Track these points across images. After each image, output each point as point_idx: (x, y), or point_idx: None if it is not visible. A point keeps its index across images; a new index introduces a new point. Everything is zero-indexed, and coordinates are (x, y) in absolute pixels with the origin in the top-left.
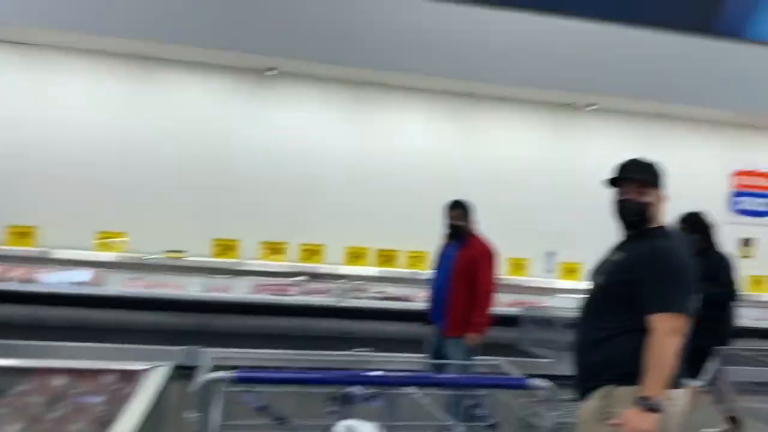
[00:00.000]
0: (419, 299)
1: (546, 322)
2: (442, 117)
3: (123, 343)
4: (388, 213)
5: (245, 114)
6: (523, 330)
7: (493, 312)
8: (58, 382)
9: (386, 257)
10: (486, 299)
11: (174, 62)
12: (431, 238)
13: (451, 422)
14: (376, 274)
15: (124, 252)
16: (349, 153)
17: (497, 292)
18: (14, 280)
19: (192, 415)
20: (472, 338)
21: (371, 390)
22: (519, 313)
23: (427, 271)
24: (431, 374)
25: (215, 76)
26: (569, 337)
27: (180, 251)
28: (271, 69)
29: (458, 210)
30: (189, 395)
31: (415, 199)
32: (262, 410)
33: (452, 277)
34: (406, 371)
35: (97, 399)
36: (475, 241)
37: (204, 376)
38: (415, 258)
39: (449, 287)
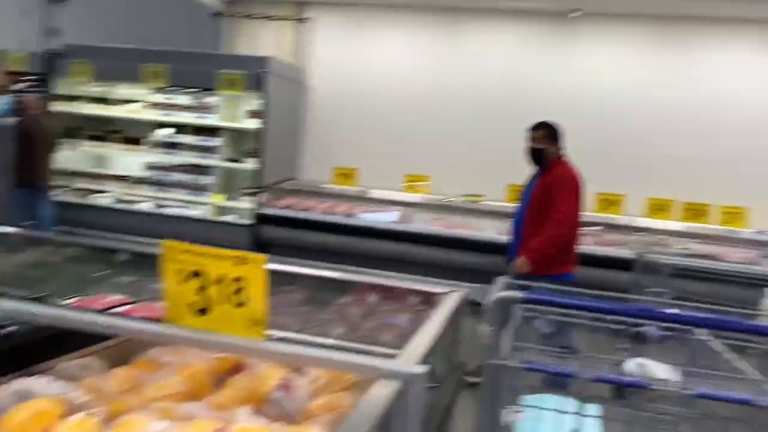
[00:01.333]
0: (732, 258)
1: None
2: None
3: (424, 275)
4: (699, 163)
5: (548, 59)
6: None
7: (578, 249)
8: (371, 298)
9: (695, 211)
10: (555, 228)
11: (480, 11)
12: (756, 191)
13: (760, 378)
14: (681, 229)
15: (428, 194)
16: (657, 97)
17: (578, 225)
18: (339, 214)
19: (485, 329)
20: (519, 263)
21: (665, 331)
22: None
23: (747, 229)
24: (741, 320)
25: (520, 22)
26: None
27: (478, 195)
28: (575, 10)
29: (540, 131)
30: (482, 312)
31: (733, 148)
32: (550, 337)
33: (527, 209)
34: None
35: (403, 316)
36: (556, 169)
37: (498, 294)
38: (731, 214)
39: (524, 220)
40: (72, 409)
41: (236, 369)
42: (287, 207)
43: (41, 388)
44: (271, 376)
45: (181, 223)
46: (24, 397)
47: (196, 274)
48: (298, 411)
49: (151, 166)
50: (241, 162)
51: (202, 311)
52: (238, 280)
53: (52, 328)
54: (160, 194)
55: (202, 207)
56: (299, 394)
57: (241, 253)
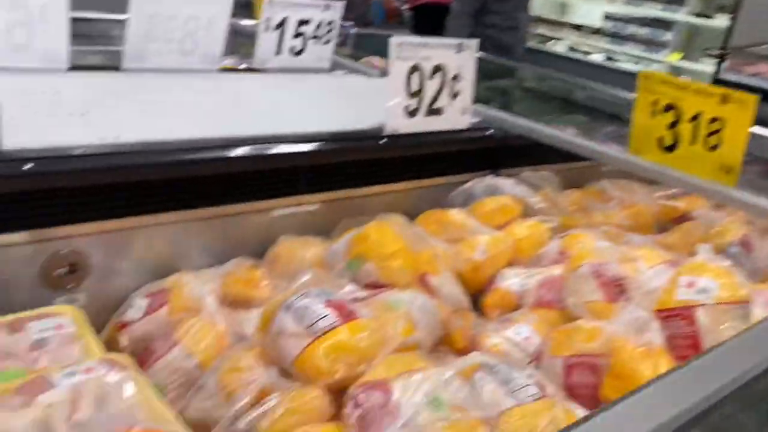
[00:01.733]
0: None
1: None
2: None
3: None
4: None
5: None
6: None
7: None
8: None
9: None
10: None
11: None
12: None
13: None
14: None
15: None
16: None
17: None
18: None
19: None
20: None
21: None
22: None
23: None
24: None
25: None
26: None
27: None
28: None
29: None
30: None
31: None
32: None
33: None
34: None
35: None
36: None
37: None
38: None
39: None
40: (529, 212)
41: (681, 219)
42: (756, 75)
43: (508, 187)
44: (728, 229)
45: (627, 79)
46: (493, 191)
47: (669, 107)
48: (757, 271)
49: (610, 17)
50: (710, 18)
51: (669, 148)
52: (715, 120)
53: (523, 138)
54: (613, 47)
55: (654, 65)
56: (761, 255)
57: (727, 91)
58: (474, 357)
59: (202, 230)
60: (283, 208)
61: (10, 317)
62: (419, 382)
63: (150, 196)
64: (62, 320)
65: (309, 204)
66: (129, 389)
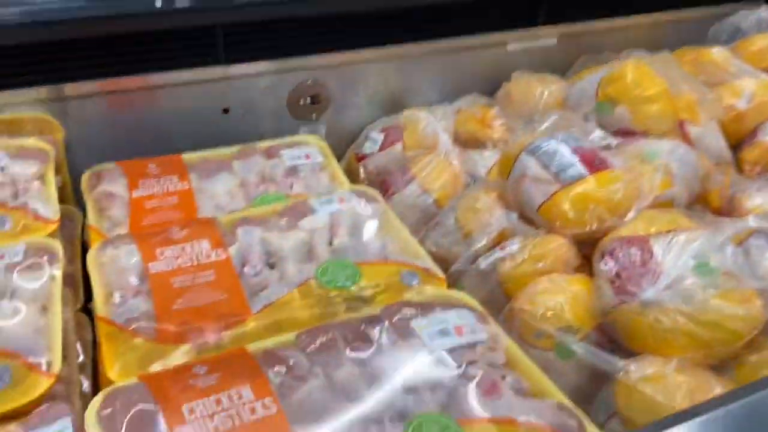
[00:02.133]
0: None
1: None
2: None
3: None
4: None
5: None
6: None
7: None
8: None
9: None
10: None
11: None
12: None
13: None
14: None
15: None
16: None
17: None
18: None
19: None
20: None
21: None
22: None
23: None
24: None
25: None
26: None
27: None
28: None
29: None
30: None
31: None
32: None
33: None
34: None
35: None
36: None
37: None
38: None
39: None
40: None
41: None
42: None
43: None
44: None
45: None
46: (765, 26)
47: None
48: None
49: None
50: None
51: None
52: None
53: None
54: None
55: None
56: None
57: None
58: (751, 221)
59: (433, 64)
60: (518, 41)
61: (267, 143)
62: (685, 243)
63: (383, 26)
64: (310, 150)
65: (546, 37)
66: (379, 222)
